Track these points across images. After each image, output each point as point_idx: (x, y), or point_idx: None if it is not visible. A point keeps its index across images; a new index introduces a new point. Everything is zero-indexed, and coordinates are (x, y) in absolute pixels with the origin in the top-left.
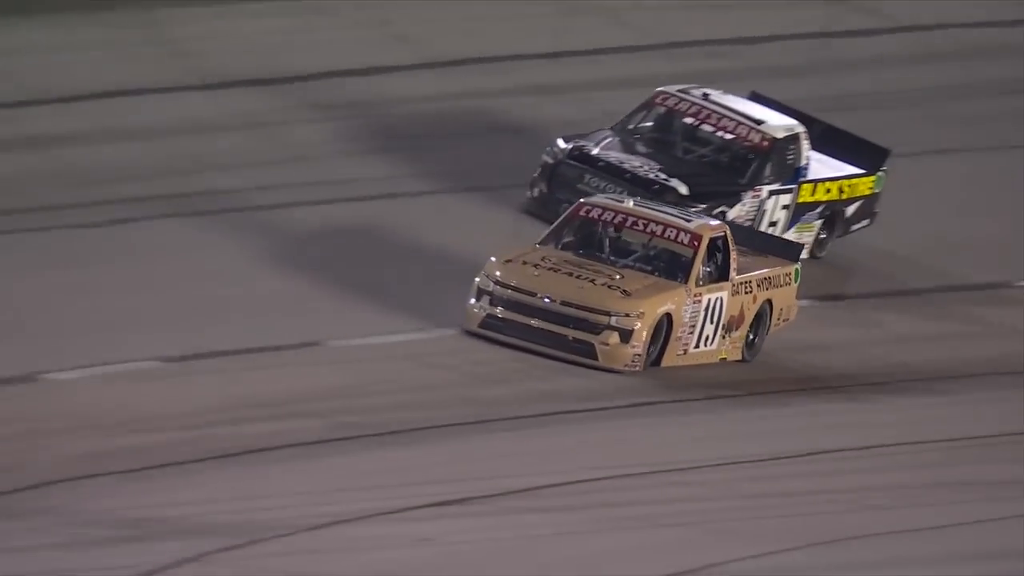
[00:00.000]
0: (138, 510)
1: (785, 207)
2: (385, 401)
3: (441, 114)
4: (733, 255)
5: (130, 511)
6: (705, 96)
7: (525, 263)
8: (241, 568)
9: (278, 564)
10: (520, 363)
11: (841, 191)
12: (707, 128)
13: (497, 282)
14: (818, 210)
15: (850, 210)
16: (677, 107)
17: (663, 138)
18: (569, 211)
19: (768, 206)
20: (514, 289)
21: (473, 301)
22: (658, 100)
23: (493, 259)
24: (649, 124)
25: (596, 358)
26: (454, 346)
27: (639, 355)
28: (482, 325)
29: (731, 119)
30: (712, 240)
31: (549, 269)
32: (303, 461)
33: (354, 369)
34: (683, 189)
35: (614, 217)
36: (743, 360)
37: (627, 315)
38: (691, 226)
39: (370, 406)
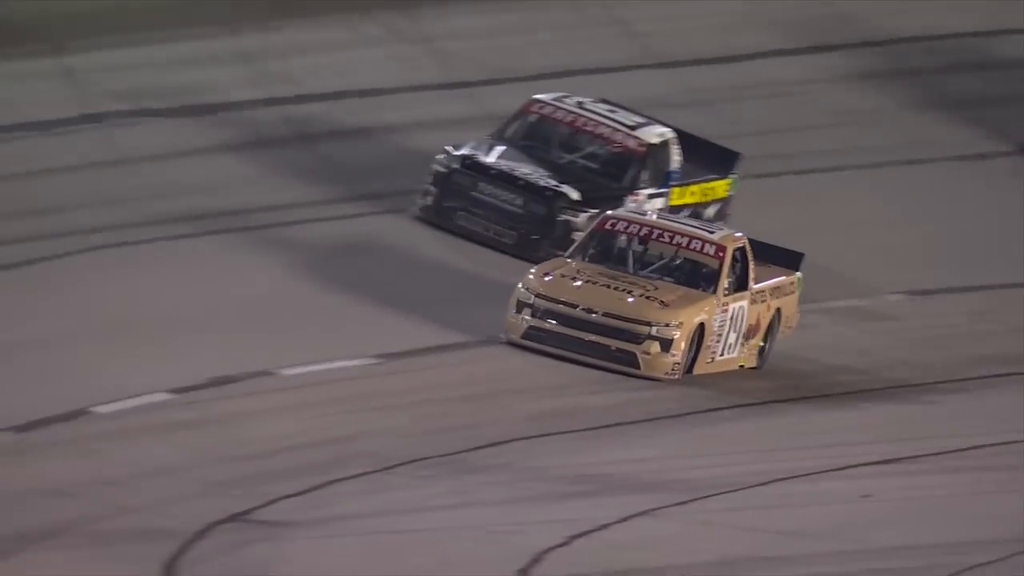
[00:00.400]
0: (589, 467)
1: (658, 210)
2: (824, 366)
3: None
4: (751, 265)
5: (582, 468)
6: (580, 104)
7: (563, 276)
8: (688, 521)
9: (723, 519)
10: (950, 328)
11: (704, 194)
12: (584, 135)
13: (539, 295)
14: (685, 213)
15: (709, 212)
16: (554, 115)
17: (542, 145)
18: (595, 224)
19: (645, 209)
20: (556, 301)
21: (513, 313)
22: (533, 108)
23: (531, 273)
24: (525, 132)
25: (638, 367)
26: (902, 310)
27: (678, 363)
28: (525, 336)
29: (607, 126)
30: (734, 251)
31: (587, 282)
32: (746, 421)
33: (800, 335)
34: (575, 195)
35: (640, 230)
36: (756, 367)
37: (667, 325)
38: (715, 237)
39: (810, 371)
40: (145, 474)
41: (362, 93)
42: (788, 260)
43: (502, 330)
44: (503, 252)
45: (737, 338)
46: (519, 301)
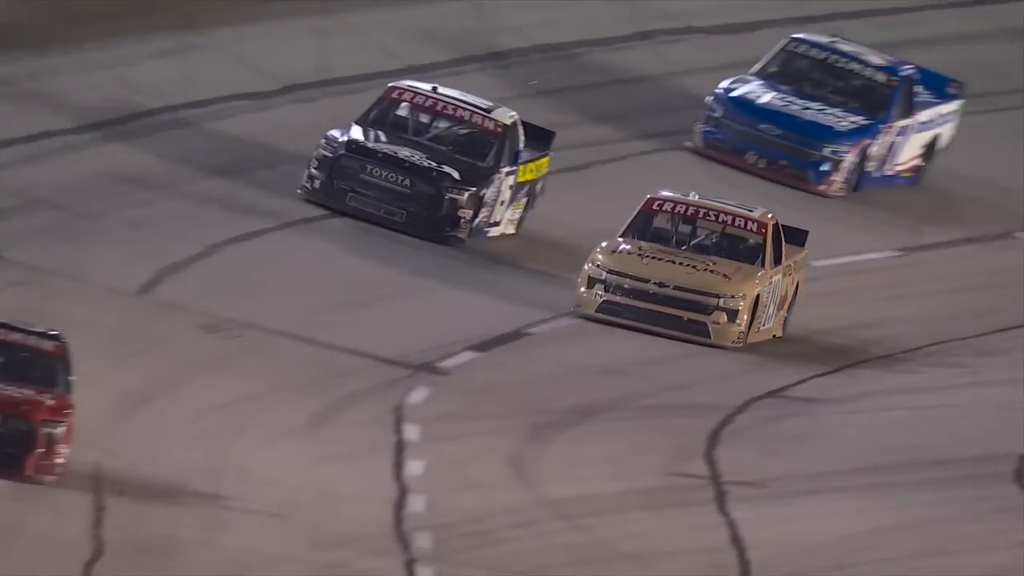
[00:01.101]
0: None
1: (511, 187)
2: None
3: None
4: (783, 241)
5: None
6: (434, 89)
7: (630, 253)
8: None
9: None
10: None
11: (538, 171)
12: (445, 118)
13: (610, 271)
14: (526, 188)
15: (538, 187)
16: (414, 100)
17: (405, 129)
18: (642, 205)
19: (504, 186)
20: (629, 277)
21: (585, 289)
22: (394, 95)
23: (599, 250)
24: (389, 117)
25: (709, 336)
26: None
27: (743, 332)
28: (599, 310)
29: (465, 109)
30: (772, 227)
31: (653, 258)
32: None
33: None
34: (456, 174)
35: (687, 210)
36: (781, 336)
37: (732, 297)
38: (756, 215)
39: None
40: (687, 355)
41: None
42: (794, 237)
43: (573, 305)
44: (393, 230)
45: (774, 309)
46: (590, 277)
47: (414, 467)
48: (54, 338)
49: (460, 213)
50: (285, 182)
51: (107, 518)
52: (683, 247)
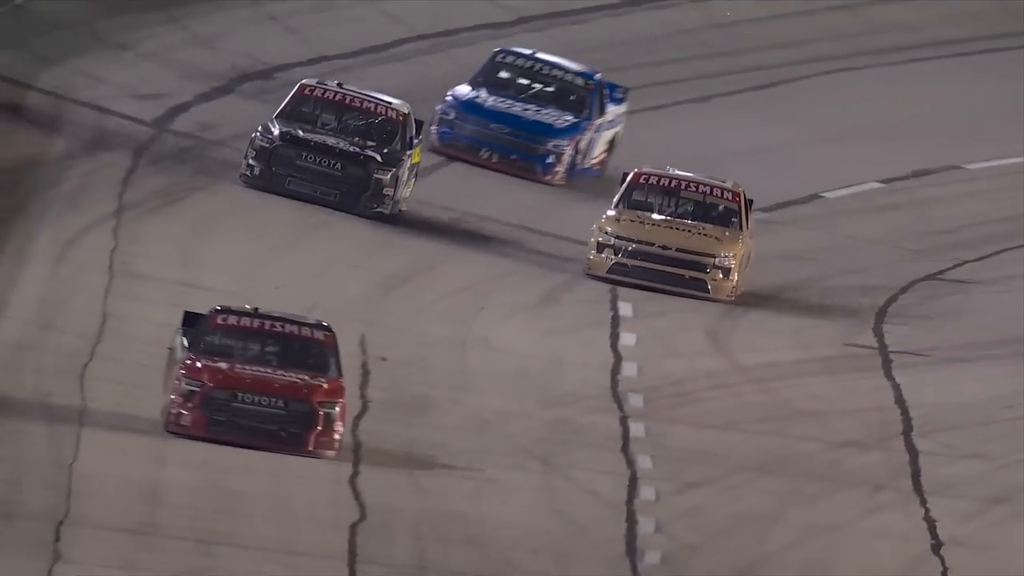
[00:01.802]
0: None
1: (409, 167)
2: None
3: None
4: (749, 208)
5: None
6: (340, 85)
7: (632, 221)
8: None
9: None
10: None
11: (418, 155)
12: (353, 110)
13: (618, 236)
14: (415, 169)
15: (416, 169)
16: (324, 95)
17: (325, 121)
18: (629, 179)
19: (406, 167)
20: (635, 241)
21: (595, 253)
22: (307, 92)
23: (604, 219)
24: (303, 111)
25: (708, 291)
26: None
27: (735, 287)
28: (610, 271)
29: (370, 100)
30: (743, 196)
31: (653, 224)
32: None
33: None
34: (379, 157)
35: (670, 182)
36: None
37: (725, 256)
38: (729, 185)
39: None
40: (860, 244)
41: None
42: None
43: (585, 268)
44: (329, 207)
45: (744, 268)
46: (599, 243)
47: (627, 338)
48: (324, 328)
49: (385, 191)
50: None
51: (371, 380)
52: (667, 214)
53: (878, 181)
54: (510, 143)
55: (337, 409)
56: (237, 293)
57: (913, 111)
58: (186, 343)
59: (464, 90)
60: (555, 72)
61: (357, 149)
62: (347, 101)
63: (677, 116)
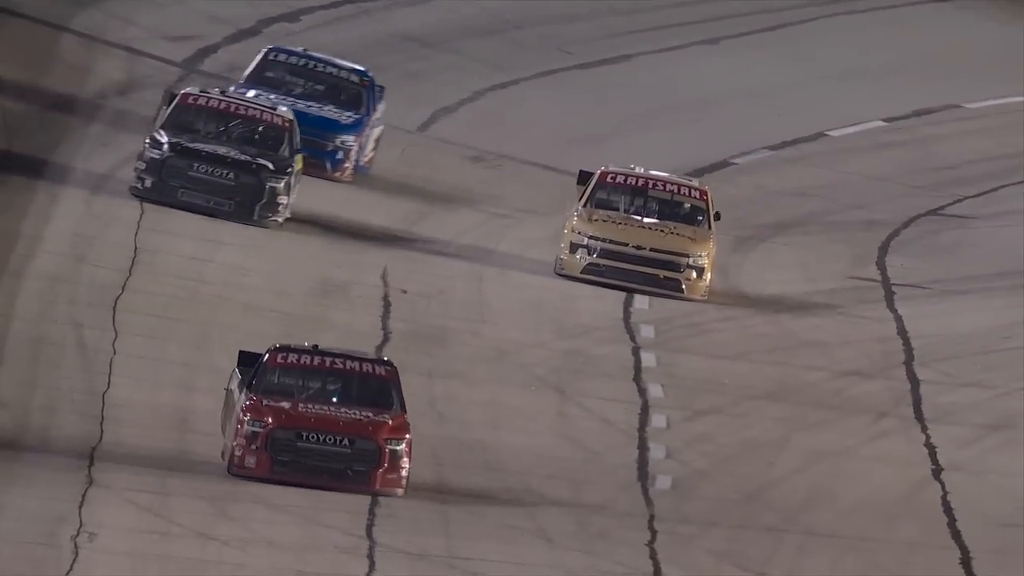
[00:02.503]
0: None
1: (295, 175)
2: None
3: None
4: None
5: None
6: (222, 92)
7: (604, 221)
8: None
9: None
10: None
11: (303, 163)
12: (238, 117)
13: (592, 236)
14: (299, 176)
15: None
16: (208, 104)
17: (210, 130)
18: (596, 178)
19: (294, 174)
20: (609, 241)
21: (568, 253)
22: (189, 100)
23: (576, 218)
24: (186, 120)
25: (682, 291)
26: None
27: (707, 287)
28: (584, 271)
29: (255, 108)
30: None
31: (626, 224)
32: None
33: None
34: (271, 165)
35: (638, 181)
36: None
37: (699, 256)
38: (696, 184)
39: None
40: (864, 180)
41: None
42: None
43: (557, 268)
44: (222, 219)
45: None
46: (572, 243)
47: None
48: (386, 364)
49: (279, 199)
50: (540, 40)
51: (392, 312)
52: (633, 213)
53: (881, 120)
54: (301, 141)
55: (403, 446)
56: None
57: (915, 52)
58: (242, 383)
59: (240, 90)
60: (329, 70)
61: (248, 158)
62: (231, 109)
63: (687, 57)
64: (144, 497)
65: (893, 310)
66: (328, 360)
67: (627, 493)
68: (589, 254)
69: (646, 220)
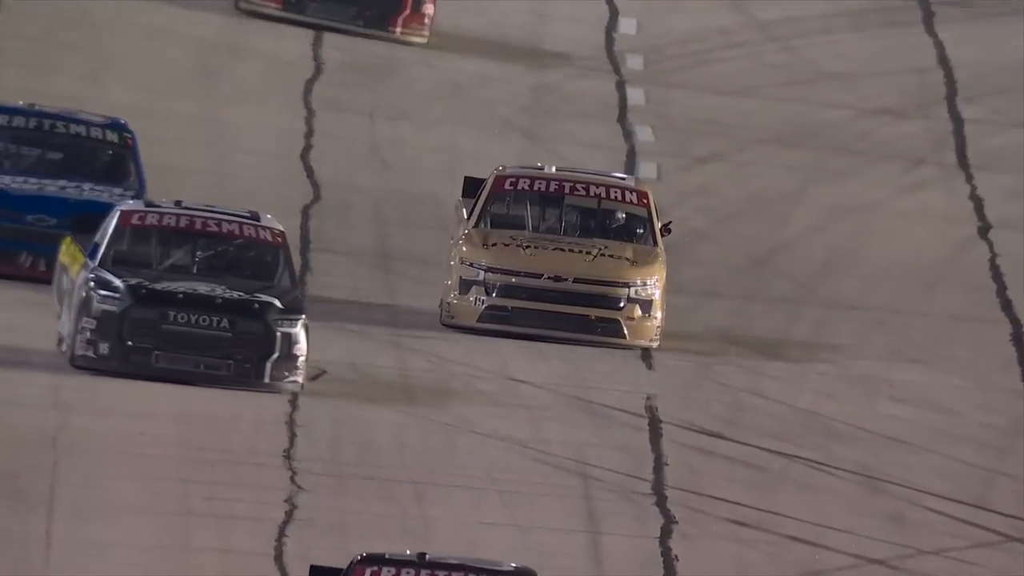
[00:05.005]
0: None
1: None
2: None
3: None
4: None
5: None
6: (179, 203)
7: (506, 245)
8: None
9: None
10: None
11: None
12: (208, 236)
13: (490, 269)
14: None
15: None
16: (161, 222)
17: (169, 257)
18: (491, 185)
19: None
20: (515, 273)
21: (458, 295)
22: (134, 220)
23: (464, 246)
24: (137, 250)
25: (624, 336)
26: None
27: (659, 327)
28: (483, 319)
29: (230, 221)
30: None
31: (535, 247)
32: None
33: None
34: (277, 302)
35: (548, 185)
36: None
37: (644, 284)
38: (631, 183)
39: None
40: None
41: None
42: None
43: (444, 317)
44: (220, 387)
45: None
46: (463, 280)
47: None
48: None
49: (295, 350)
50: None
51: (325, 39)
52: (545, 230)
53: None
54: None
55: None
56: None
57: None
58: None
59: None
60: (74, 129)
61: (244, 294)
62: (196, 226)
63: None
64: None
65: (932, 34)
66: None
67: None
68: (488, 293)
69: (565, 239)
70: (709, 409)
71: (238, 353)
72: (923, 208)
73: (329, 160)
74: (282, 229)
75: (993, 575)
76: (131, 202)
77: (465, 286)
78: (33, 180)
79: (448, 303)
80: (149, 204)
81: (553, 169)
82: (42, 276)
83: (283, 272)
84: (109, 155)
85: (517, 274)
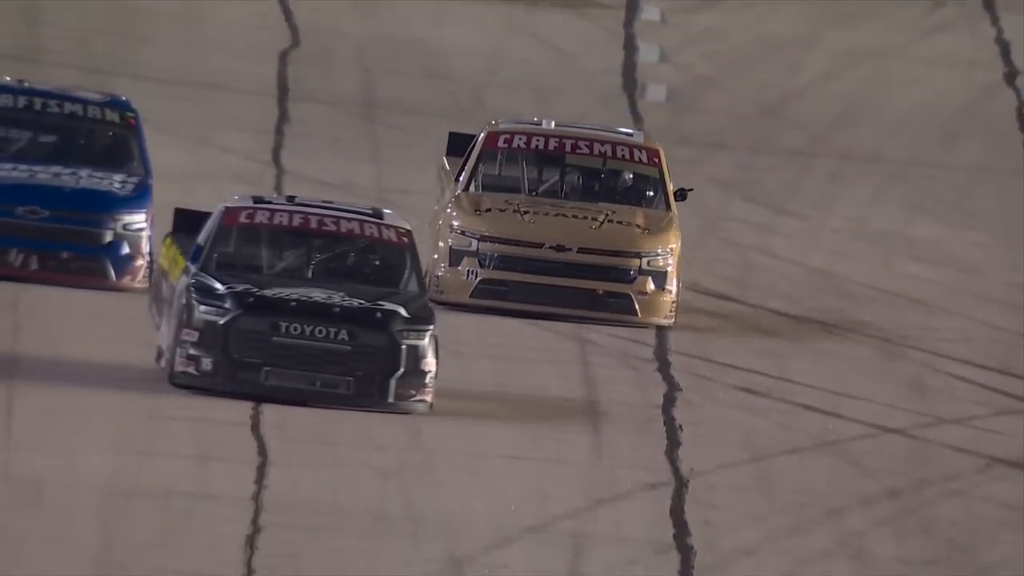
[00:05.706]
0: None
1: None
2: None
3: None
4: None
5: None
6: (292, 199)
7: (500, 210)
8: None
9: None
10: None
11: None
12: (327, 237)
13: (484, 237)
14: None
15: None
16: (273, 221)
17: (281, 260)
18: (482, 143)
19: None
20: (513, 243)
21: (447, 268)
22: (242, 218)
23: (453, 212)
24: (244, 252)
25: (635, 313)
26: None
27: (674, 303)
28: (476, 293)
29: (350, 219)
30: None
31: (534, 212)
32: None
33: None
34: (403, 311)
35: (547, 142)
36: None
37: (657, 254)
38: (641, 140)
39: None
40: None
41: None
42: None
43: (434, 291)
44: (339, 407)
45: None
46: (454, 250)
47: None
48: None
49: (422, 366)
50: None
51: None
52: (544, 193)
53: None
54: (56, 233)
55: None
56: None
57: None
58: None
59: None
60: (70, 108)
61: (366, 302)
62: (312, 225)
63: None
64: None
65: None
66: None
67: (609, 107)
68: (481, 265)
69: (567, 204)
70: (715, 269)
71: (358, 369)
72: (945, 53)
73: (310, 5)
74: (409, 228)
75: (1018, 444)
76: (237, 197)
77: (456, 257)
78: (23, 167)
79: (437, 276)
80: (258, 200)
81: (552, 124)
82: (34, 276)
83: (409, 277)
84: (109, 136)
85: (515, 243)
